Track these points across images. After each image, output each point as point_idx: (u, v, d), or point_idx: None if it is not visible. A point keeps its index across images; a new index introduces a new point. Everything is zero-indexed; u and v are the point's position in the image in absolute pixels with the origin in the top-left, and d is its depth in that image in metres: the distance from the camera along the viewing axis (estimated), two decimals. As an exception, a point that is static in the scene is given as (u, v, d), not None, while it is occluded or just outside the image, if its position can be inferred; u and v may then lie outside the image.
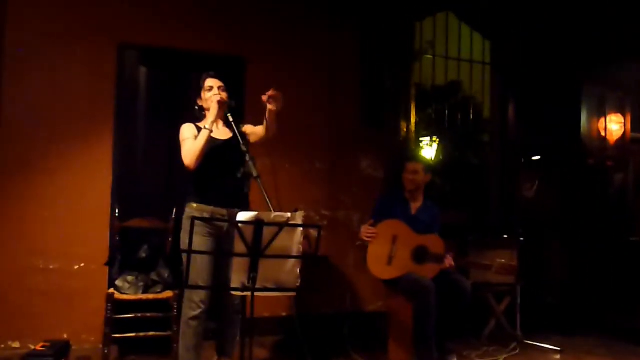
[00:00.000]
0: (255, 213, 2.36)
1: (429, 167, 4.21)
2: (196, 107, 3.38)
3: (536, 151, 5.91)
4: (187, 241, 3.03)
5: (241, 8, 4.79)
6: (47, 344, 3.72)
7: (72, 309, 4.19)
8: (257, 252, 2.35)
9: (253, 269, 2.36)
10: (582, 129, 5.85)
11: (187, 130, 3.25)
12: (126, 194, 4.37)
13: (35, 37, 4.19)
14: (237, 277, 2.40)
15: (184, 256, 3.02)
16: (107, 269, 4.20)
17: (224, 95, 3.27)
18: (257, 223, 2.33)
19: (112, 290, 3.92)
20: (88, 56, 4.30)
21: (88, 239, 4.25)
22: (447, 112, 6.18)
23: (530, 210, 5.79)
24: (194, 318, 3.12)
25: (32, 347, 3.83)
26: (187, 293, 3.13)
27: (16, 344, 4.09)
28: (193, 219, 2.43)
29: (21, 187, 4.15)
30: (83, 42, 4.29)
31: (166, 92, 4.57)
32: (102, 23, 4.35)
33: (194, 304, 3.10)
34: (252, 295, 2.37)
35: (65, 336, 4.11)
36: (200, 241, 3.06)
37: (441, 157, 7.05)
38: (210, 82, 3.32)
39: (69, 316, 4.19)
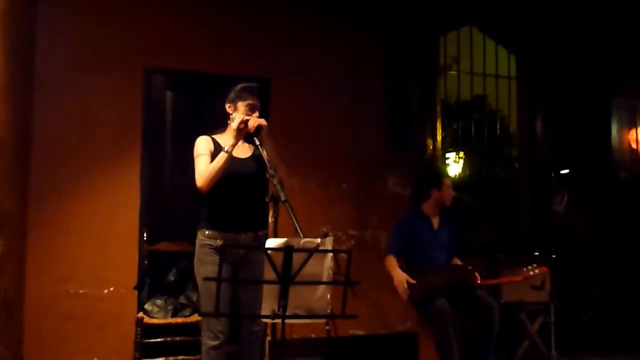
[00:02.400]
0: (285, 239, 2.32)
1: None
2: (230, 113, 3.07)
3: (565, 165, 5.81)
4: (201, 271, 3.00)
5: (265, 30, 4.82)
6: (77, 369, 3.74)
7: (102, 333, 4.20)
8: (287, 278, 2.32)
9: (283, 296, 2.32)
10: (612, 142, 5.74)
11: (202, 145, 3.04)
12: (154, 217, 4.40)
13: (63, 65, 4.26)
14: (267, 304, 2.36)
15: (202, 286, 2.99)
16: (136, 292, 4.20)
17: (258, 119, 3.00)
18: (286, 249, 2.30)
19: (141, 314, 3.93)
20: (115, 82, 4.35)
21: (117, 263, 4.27)
22: (473, 127, 6.12)
23: (561, 226, 5.68)
24: (215, 348, 3.01)
25: (64, 372, 3.85)
26: (206, 323, 3.02)
27: (47, 369, 4.12)
28: (223, 247, 2.39)
29: (51, 213, 4.20)
30: (110, 68, 4.35)
31: (192, 115, 4.61)
32: (128, 48, 4.40)
33: (212, 334, 2.99)
34: (283, 322, 2.33)
35: (95, 360, 4.13)
36: (215, 270, 2.84)
37: (467, 173, 6.96)
38: (251, 100, 3.06)
39: (99, 340, 4.20)
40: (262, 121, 2.97)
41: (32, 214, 4.16)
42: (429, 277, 3.87)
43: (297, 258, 2.33)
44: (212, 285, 2.83)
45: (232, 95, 3.11)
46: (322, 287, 2.42)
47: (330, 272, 2.43)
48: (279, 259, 2.32)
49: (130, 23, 4.44)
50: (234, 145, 2.95)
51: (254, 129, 2.95)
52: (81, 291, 4.20)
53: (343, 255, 2.45)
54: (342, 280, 2.45)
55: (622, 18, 5.48)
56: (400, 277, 3.85)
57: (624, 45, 5.60)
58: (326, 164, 4.89)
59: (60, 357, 4.09)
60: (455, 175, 6.89)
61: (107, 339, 4.20)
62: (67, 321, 4.15)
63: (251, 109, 3.06)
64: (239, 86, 3.12)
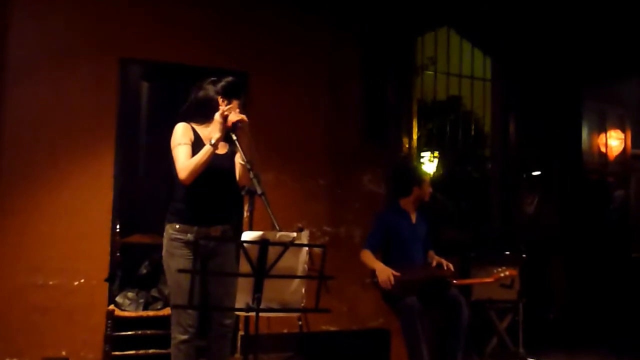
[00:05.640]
0: (261, 233, 2.33)
1: None
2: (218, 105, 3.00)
3: (536, 167, 5.92)
4: (172, 265, 2.93)
5: (243, 24, 4.80)
6: (46, 361, 3.69)
7: (71, 325, 4.14)
8: (262, 272, 2.33)
9: (257, 289, 2.33)
10: (582, 145, 5.87)
11: (182, 133, 2.97)
12: (127, 209, 4.36)
13: (37, 53, 4.19)
14: (242, 297, 2.36)
15: (172, 279, 2.95)
16: (107, 285, 4.16)
17: (238, 115, 2.94)
18: (262, 243, 2.30)
19: (112, 307, 3.89)
20: (90, 71, 4.30)
21: (88, 255, 4.21)
22: (448, 127, 6.20)
23: (531, 226, 5.79)
24: (184, 342, 2.97)
25: (30, 364, 3.79)
26: (176, 317, 2.97)
27: (14, 361, 4.05)
28: (197, 239, 2.37)
29: (22, 202, 4.12)
30: (85, 57, 4.29)
31: (168, 107, 4.54)
32: (103, 38, 4.35)
33: (182, 328, 2.95)
34: (257, 315, 2.34)
35: (64, 353, 4.08)
36: (185, 264, 2.88)
37: (441, 172, 7.04)
38: (242, 100, 3.05)
39: (69, 333, 4.14)
40: (243, 117, 2.93)
41: (1, 205, 4.08)
42: (408, 272, 3.91)
43: (272, 252, 2.34)
44: (183, 279, 2.82)
45: (224, 85, 3.04)
46: (296, 281, 2.44)
47: (305, 266, 2.44)
48: (254, 252, 2.33)
49: (106, 12, 4.38)
50: (219, 140, 2.91)
51: (231, 124, 2.90)
52: (51, 282, 4.14)
53: (317, 251, 2.47)
54: (317, 275, 2.46)
55: (592, 24, 5.60)
56: (384, 269, 3.87)
57: (593, 50, 5.73)
58: (302, 159, 4.90)
59: (28, 349, 4.02)
60: (430, 174, 6.94)
61: (76, 332, 4.14)
62: (36, 313, 4.08)
63: (241, 108, 3.02)
64: (232, 80, 3.07)
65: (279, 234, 2.36)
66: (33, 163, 4.16)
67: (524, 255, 4.84)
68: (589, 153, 5.94)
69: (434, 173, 6.92)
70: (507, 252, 4.94)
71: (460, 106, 6.66)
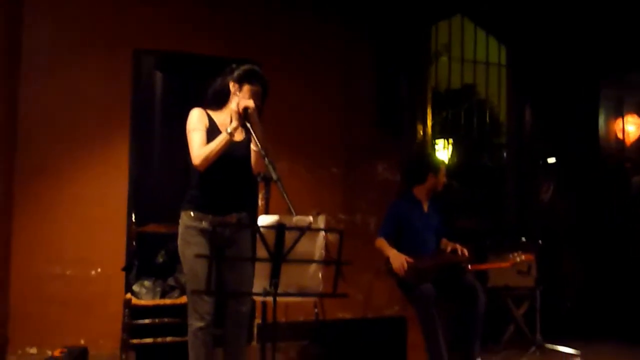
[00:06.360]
0: (277, 217, 2.32)
1: None
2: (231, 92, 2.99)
3: (553, 154, 5.85)
4: (188, 253, 2.94)
5: (256, 14, 4.79)
6: (64, 350, 3.72)
7: (89, 315, 4.18)
8: (279, 257, 2.32)
9: (275, 274, 2.32)
10: (599, 131, 5.79)
11: (197, 119, 2.95)
12: (143, 199, 4.37)
13: (51, 45, 4.22)
14: (259, 282, 2.36)
15: (188, 267, 2.96)
16: (124, 274, 4.18)
17: (245, 101, 2.93)
18: (278, 227, 2.30)
19: (129, 295, 3.91)
20: (103, 62, 4.32)
21: (105, 245, 4.25)
22: (462, 115, 6.15)
23: (547, 213, 5.73)
24: (201, 329, 2.97)
25: (50, 353, 3.82)
26: (192, 304, 2.97)
27: (33, 350, 4.09)
28: (214, 226, 2.36)
29: (38, 194, 4.16)
30: (98, 49, 4.31)
31: (182, 97, 4.56)
32: (116, 29, 4.36)
33: (198, 315, 2.95)
34: (275, 300, 2.33)
35: (82, 342, 4.11)
36: (200, 252, 2.87)
37: (456, 160, 6.99)
38: (258, 87, 2.99)
39: (87, 322, 4.18)
40: (250, 103, 2.91)
41: (18, 196, 4.12)
42: (422, 260, 3.89)
43: (289, 236, 2.34)
44: (198, 266, 2.83)
45: (239, 74, 3.01)
46: (314, 266, 2.43)
47: (322, 251, 2.43)
48: (271, 237, 2.32)
49: (118, 4, 4.40)
50: (237, 128, 2.89)
51: (241, 110, 2.89)
52: (68, 273, 4.17)
53: (332, 241, 2.45)
54: (334, 260, 2.45)
55: (610, 8, 5.51)
56: (398, 255, 3.86)
57: (612, 37, 5.64)
58: (316, 149, 4.89)
59: (46, 339, 4.06)
60: (445, 162, 6.87)
61: (94, 321, 4.18)
62: (54, 303, 4.12)
63: (255, 95, 2.97)
64: (248, 67, 3.04)
65: (295, 218, 2.35)
66: (49, 155, 4.19)
67: (540, 242, 4.80)
68: (606, 139, 5.86)
69: (448, 161, 6.87)
70: (523, 239, 4.90)
71: (475, 94, 6.59)
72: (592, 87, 5.80)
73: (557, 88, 5.78)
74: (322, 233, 2.41)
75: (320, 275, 2.44)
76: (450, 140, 6.96)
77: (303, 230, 2.33)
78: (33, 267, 4.11)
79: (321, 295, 2.49)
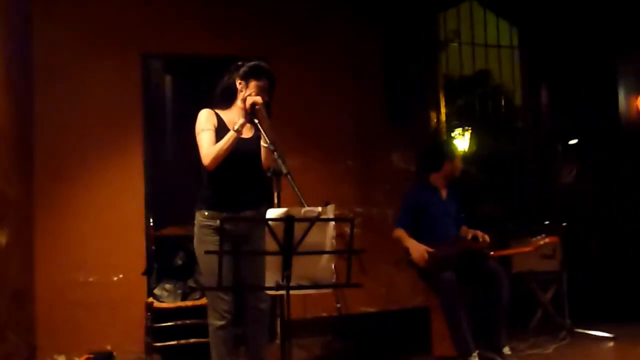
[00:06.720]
0: (285, 209, 2.30)
1: None
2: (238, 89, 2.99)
3: (573, 135, 5.73)
4: (202, 252, 2.93)
5: (261, 9, 4.78)
6: (90, 355, 3.76)
7: (113, 319, 4.22)
8: (289, 249, 2.30)
9: (286, 267, 2.30)
10: (619, 108, 5.66)
11: (205, 119, 2.96)
12: (159, 202, 4.40)
13: (61, 52, 4.25)
14: (271, 276, 2.34)
15: (203, 265, 2.97)
16: (145, 278, 4.21)
17: (253, 97, 2.90)
18: (287, 219, 2.28)
19: (150, 299, 3.93)
20: (113, 68, 4.35)
21: (125, 250, 4.28)
22: (477, 102, 6.08)
23: (570, 196, 5.62)
24: (221, 328, 2.98)
25: (77, 359, 3.86)
26: (211, 303, 2.99)
27: (62, 357, 4.14)
28: (222, 220, 2.37)
29: (57, 202, 4.21)
30: (107, 55, 4.34)
31: (192, 98, 4.58)
32: (125, 34, 4.39)
33: (218, 314, 2.97)
34: (287, 293, 2.31)
35: (108, 347, 4.15)
36: (216, 249, 2.81)
37: (474, 148, 6.91)
38: (264, 82, 2.96)
39: (112, 327, 4.22)
40: (258, 99, 2.89)
41: (38, 204, 4.17)
42: (442, 248, 3.84)
43: (298, 228, 2.31)
44: (214, 262, 2.79)
45: (245, 70, 3.00)
46: (325, 257, 2.40)
47: (334, 241, 2.40)
48: (280, 230, 2.30)
49: (125, 8, 4.42)
50: (243, 125, 2.88)
51: (249, 106, 2.87)
52: (91, 279, 4.22)
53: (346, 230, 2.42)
54: (346, 249, 2.42)
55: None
56: (417, 245, 3.82)
57: (626, 12, 5.50)
58: (329, 142, 4.86)
59: (73, 346, 4.11)
60: (463, 150, 6.84)
61: (119, 326, 4.22)
62: (79, 309, 4.16)
63: (262, 90, 2.96)
64: (253, 63, 3.03)
65: (304, 209, 2.32)
66: (64, 163, 4.24)
67: (564, 224, 4.69)
68: (627, 116, 5.72)
69: (467, 149, 6.81)
70: (547, 222, 4.80)
71: (490, 79, 6.52)
72: (608, 63, 5.67)
73: (572, 67, 5.66)
74: (332, 223, 2.39)
75: (332, 266, 2.41)
76: (468, 129, 6.90)
77: (312, 221, 2.30)
78: (57, 275, 4.16)
79: (335, 286, 2.46)
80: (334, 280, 2.44)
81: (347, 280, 2.41)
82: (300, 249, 2.32)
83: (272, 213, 2.31)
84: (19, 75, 3.87)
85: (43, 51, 4.22)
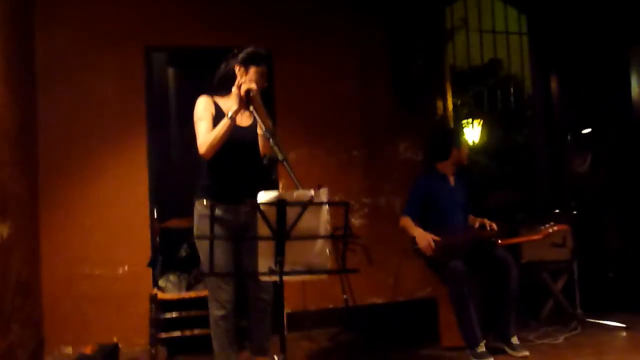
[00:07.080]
0: (277, 193, 2.27)
1: None
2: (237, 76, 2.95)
3: (584, 124, 5.61)
4: (202, 242, 2.93)
5: (266, 1, 4.74)
6: (95, 347, 3.76)
7: (119, 312, 4.23)
8: (282, 233, 2.26)
9: (279, 252, 2.27)
10: (632, 94, 5.53)
11: (203, 108, 2.97)
12: (163, 195, 4.40)
13: (63, 47, 4.26)
14: (264, 262, 2.31)
15: (202, 252, 2.96)
16: (150, 270, 4.21)
17: (248, 84, 2.87)
18: (278, 204, 2.24)
19: (155, 290, 3.93)
20: (116, 62, 4.34)
21: (130, 243, 4.29)
22: (486, 92, 6.00)
23: (585, 185, 5.51)
24: (222, 318, 2.98)
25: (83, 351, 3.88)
26: (212, 294, 2.99)
27: (69, 349, 4.17)
28: (212, 205, 2.33)
29: (62, 198, 4.23)
30: (110, 49, 4.33)
31: (195, 91, 4.56)
32: (127, 27, 4.38)
33: (219, 303, 2.96)
34: (281, 278, 2.28)
35: (115, 340, 4.15)
36: (216, 242, 2.84)
37: (486, 139, 6.81)
38: (263, 68, 2.97)
39: (118, 320, 4.23)
40: (253, 85, 2.87)
41: (43, 198, 4.19)
42: (449, 237, 3.79)
43: (292, 212, 2.28)
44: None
45: (243, 57, 2.99)
46: (320, 242, 2.36)
47: (328, 225, 2.36)
48: (272, 214, 2.27)
49: (127, 2, 4.41)
50: (237, 112, 2.86)
51: (244, 93, 2.84)
52: (97, 272, 4.24)
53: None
54: (341, 234, 2.39)
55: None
56: (423, 234, 3.77)
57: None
58: (335, 132, 4.81)
59: (80, 338, 4.11)
60: (474, 142, 6.76)
61: (125, 318, 4.23)
62: (85, 302, 4.19)
63: (261, 76, 2.96)
64: (252, 49, 3.01)
65: (296, 193, 2.29)
66: (69, 158, 4.25)
67: (575, 212, 4.60)
68: (640, 103, 5.59)
69: (477, 140, 6.71)
70: (557, 211, 4.71)
71: (500, 68, 6.42)
72: (620, 50, 5.54)
73: (583, 54, 5.54)
74: (326, 207, 2.35)
75: (327, 251, 2.37)
76: (478, 120, 6.81)
77: (305, 204, 2.26)
78: (62, 269, 4.18)
79: (330, 272, 2.43)
80: (329, 266, 2.41)
81: (343, 265, 2.37)
82: (294, 234, 2.28)
83: (264, 197, 2.28)
84: (22, 69, 3.88)
85: (46, 46, 4.23)
